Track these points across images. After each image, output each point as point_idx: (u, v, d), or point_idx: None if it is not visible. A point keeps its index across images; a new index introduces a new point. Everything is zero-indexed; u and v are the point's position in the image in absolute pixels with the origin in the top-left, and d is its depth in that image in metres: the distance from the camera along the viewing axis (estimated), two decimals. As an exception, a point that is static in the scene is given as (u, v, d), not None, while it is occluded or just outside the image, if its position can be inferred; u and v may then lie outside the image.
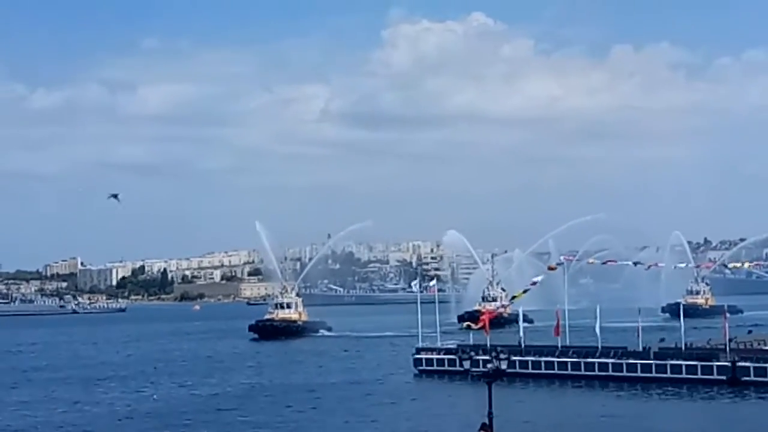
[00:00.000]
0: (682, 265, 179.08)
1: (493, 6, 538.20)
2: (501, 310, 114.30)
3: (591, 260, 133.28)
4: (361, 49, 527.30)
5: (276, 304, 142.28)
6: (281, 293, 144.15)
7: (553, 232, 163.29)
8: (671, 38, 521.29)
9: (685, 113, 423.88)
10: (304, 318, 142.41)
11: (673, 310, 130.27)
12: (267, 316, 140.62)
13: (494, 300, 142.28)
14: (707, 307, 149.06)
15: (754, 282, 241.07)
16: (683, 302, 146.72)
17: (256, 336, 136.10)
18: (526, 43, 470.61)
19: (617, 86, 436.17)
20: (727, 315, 73.72)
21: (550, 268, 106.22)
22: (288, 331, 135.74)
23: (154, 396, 72.56)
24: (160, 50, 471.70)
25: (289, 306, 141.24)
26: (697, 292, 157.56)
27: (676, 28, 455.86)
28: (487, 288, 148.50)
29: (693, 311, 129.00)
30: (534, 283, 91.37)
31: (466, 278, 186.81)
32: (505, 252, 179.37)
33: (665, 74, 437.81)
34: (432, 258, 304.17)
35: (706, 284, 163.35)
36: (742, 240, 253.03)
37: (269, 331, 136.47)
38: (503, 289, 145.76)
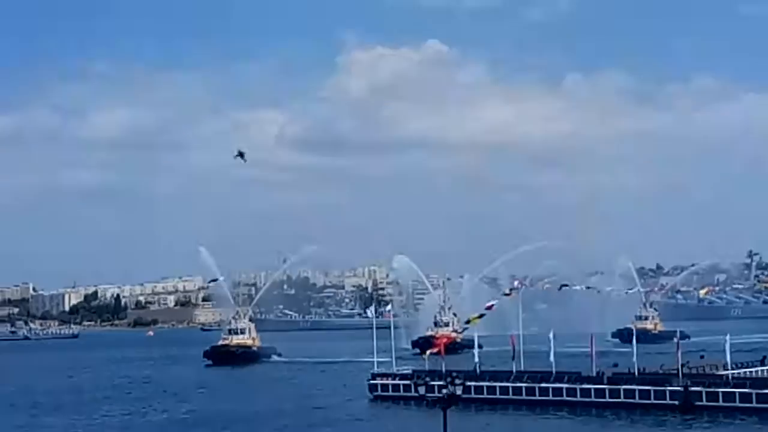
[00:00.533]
0: (633, 290, 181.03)
1: (447, 33, 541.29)
2: (455, 335, 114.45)
3: (547, 285, 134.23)
4: (315, 74, 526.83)
5: (229, 330, 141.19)
6: (234, 319, 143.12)
7: (503, 258, 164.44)
8: (623, 65, 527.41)
9: (635, 140, 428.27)
10: (257, 343, 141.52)
11: (622, 335, 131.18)
12: (221, 342, 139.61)
13: (447, 325, 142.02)
14: (656, 332, 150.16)
15: (704, 308, 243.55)
16: (633, 327, 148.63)
17: (210, 362, 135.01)
18: (481, 70, 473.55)
19: (570, 113, 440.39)
20: (677, 340, 74.50)
21: (506, 294, 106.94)
22: (242, 356, 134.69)
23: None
24: (111, 75, 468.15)
25: (242, 331, 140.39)
26: (646, 318, 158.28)
27: (627, 56, 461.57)
28: (439, 313, 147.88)
29: (643, 336, 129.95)
30: (489, 308, 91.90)
31: (420, 303, 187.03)
32: (461, 277, 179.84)
33: (616, 101, 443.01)
34: (388, 283, 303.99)
35: (655, 309, 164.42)
36: (693, 265, 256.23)
37: (223, 356, 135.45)
38: (455, 314, 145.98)
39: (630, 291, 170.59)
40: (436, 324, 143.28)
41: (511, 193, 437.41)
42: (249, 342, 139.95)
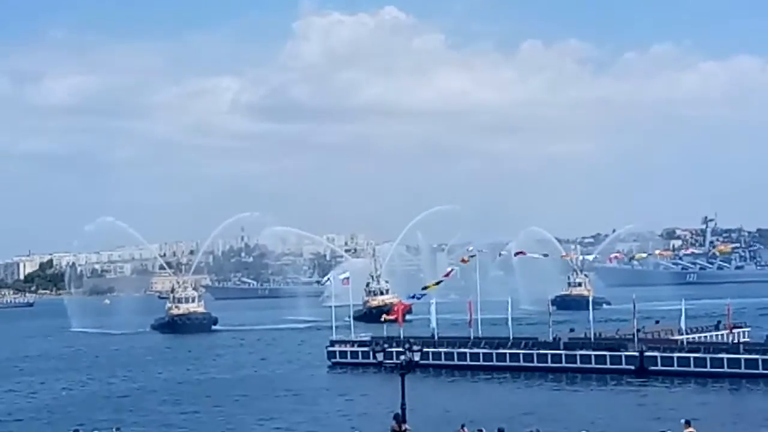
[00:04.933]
0: (591, 257, 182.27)
1: (405, 0, 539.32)
2: (411, 302, 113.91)
3: (504, 252, 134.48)
4: (273, 41, 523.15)
5: (174, 298, 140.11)
6: (180, 287, 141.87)
7: (412, 221, 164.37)
8: (579, 34, 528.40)
9: (592, 107, 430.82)
10: (202, 311, 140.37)
11: (559, 302, 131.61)
12: (172, 312, 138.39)
13: (381, 293, 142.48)
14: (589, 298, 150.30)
15: (658, 273, 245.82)
16: (569, 294, 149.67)
17: (158, 331, 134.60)
18: (437, 37, 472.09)
19: (526, 81, 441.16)
20: (605, 306, 75.50)
21: (463, 261, 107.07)
22: (188, 325, 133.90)
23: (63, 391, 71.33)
24: (67, 42, 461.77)
25: (187, 300, 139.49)
26: (579, 284, 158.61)
27: (584, 24, 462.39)
28: (371, 281, 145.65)
29: (575, 303, 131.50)
30: (447, 275, 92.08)
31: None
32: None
33: (573, 69, 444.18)
34: (346, 250, 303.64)
35: (585, 275, 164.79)
36: (651, 232, 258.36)
37: (169, 325, 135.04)
38: (386, 282, 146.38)
39: (588, 257, 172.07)
40: (369, 292, 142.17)
41: (468, 160, 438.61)
42: (197, 310, 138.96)
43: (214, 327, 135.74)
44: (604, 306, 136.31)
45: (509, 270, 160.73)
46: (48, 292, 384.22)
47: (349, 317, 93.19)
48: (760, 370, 63.08)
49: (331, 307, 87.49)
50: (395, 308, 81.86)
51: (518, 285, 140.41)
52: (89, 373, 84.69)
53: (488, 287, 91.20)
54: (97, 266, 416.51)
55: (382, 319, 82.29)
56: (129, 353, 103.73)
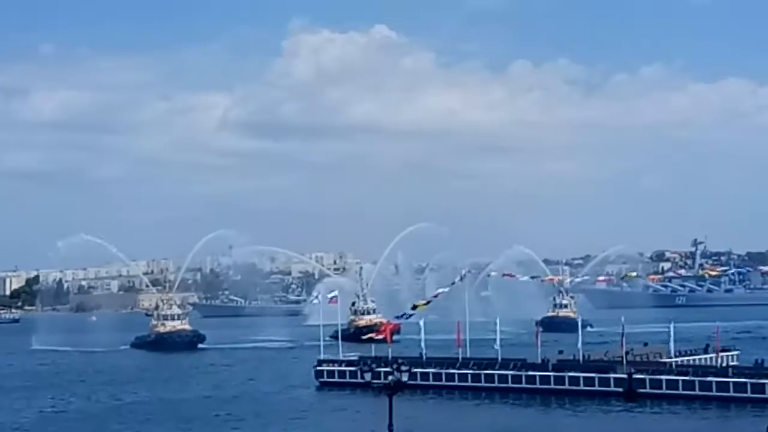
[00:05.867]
0: (579, 279, 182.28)
1: (395, 19, 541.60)
2: (398, 322, 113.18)
3: (492, 273, 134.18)
4: (262, 58, 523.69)
5: (159, 315, 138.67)
6: (165, 304, 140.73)
7: (394, 241, 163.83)
8: (569, 55, 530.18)
9: (581, 129, 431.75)
10: (187, 329, 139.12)
11: (546, 323, 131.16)
12: (157, 329, 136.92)
13: (367, 313, 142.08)
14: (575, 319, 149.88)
15: (648, 296, 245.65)
16: (556, 315, 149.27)
17: (142, 349, 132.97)
18: (428, 56, 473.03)
19: (515, 101, 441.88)
20: (588, 328, 75.53)
21: (454, 282, 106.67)
22: (172, 343, 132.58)
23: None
24: (56, 56, 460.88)
25: (173, 317, 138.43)
26: (565, 305, 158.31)
27: (574, 45, 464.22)
28: (357, 300, 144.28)
29: (569, 325, 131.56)
30: (436, 295, 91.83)
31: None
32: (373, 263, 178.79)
33: (563, 90, 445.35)
34: (335, 269, 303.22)
35: (571, 297, 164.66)
36: (640, 254, 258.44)
37: (152, 343, 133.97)
38: (373, 301, 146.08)
39: (577, 280, 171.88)
40: (355, 312, 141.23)
41: (458, 179, 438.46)
42: (180, 327, 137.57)
43: (200, 345, 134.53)
44: (588, 329, 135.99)
45: (495, 290, 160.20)
46: (34, 308, 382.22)
47: (334, 336, 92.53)
48: (749, 394, 62.88)
49: (310, 326, 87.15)
50: (383, 328, 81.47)
51: (497, 306, 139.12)
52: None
53: (470, 308, 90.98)
54: (84, 283, 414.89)
55: (366, 338, 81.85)
56: (97, 372, 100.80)
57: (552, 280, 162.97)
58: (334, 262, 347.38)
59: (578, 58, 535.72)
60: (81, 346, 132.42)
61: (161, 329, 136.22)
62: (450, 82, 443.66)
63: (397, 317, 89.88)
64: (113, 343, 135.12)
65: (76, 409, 71.66)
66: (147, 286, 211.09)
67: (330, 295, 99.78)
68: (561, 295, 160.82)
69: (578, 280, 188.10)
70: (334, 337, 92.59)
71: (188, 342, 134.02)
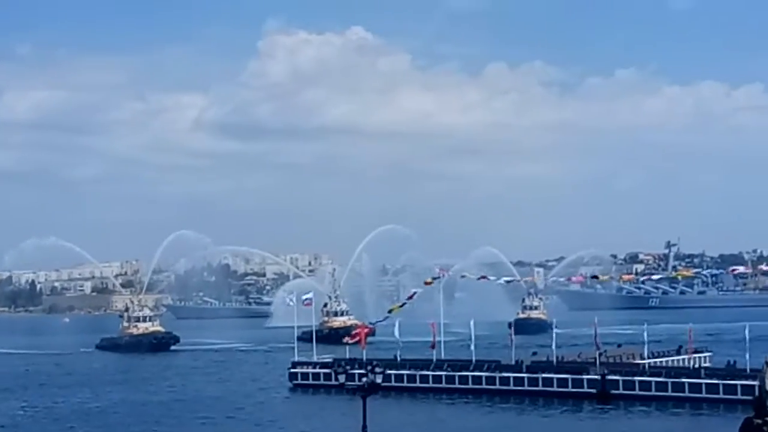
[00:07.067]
0: (551, 279, 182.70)
1: (372, 20, 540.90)
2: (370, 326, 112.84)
3: (465, 275, 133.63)
4: (238, 59, 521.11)
5: (130, 317, 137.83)
6: (136, 306, 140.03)
7: (362, 243, 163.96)
8: (545, 57, 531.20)
9: (557, 131, 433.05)
10: (160, 330, 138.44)
11: (518, 325, 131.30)
12: (128, 331, 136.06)
13: (340, 314, 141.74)
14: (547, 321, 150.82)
15: (621, 297, 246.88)
16: (527, 317, 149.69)
17: (110, 351, 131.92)
18: (404, 58, 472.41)
19: (491, 103, 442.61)
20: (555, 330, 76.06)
21: (427, 283, 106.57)
22: (141, 345, 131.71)
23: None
24: (33, 57, 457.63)
25: (145, 319, 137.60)
26: (535, 307, 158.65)
27: (550, 48, 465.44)
28: (330, 302, 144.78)
29: (539, 326, 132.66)
30: (411, 297, 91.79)
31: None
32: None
33: (538, 92, 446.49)
34: (310, 271, 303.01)
35: (540, 299, 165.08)
36: (614, 256, 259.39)
37: (121, 345, 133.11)
38: (345, 302, 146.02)
39: (551, 279, 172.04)
40: (327, 313, 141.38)
41: (433, 181, 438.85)
42: (153, 329, 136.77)
43: (173, 347, 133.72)
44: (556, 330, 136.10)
45: (466, 292, 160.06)
46: (7, 309, 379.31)
47: (302, 337, 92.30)
48: (721, 395, 63.22)
49: (274, 328, 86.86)
50: (359, 331, 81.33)
51: (465, 308, 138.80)
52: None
53: (437, 310, 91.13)
54: (56, 284, 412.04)
55: (344, 341, 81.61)
56: (66, 374, 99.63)
57: (528, 281, 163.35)
58: (309, 264, 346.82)
59: (554, 61, 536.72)
60: (46, 349, 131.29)
61: (133, 331, 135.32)
62: (426, 84, 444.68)
63: (376, 322, 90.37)
64: (79, 346, 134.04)
65: (37, 414, 70.47)
66: (117, 287, 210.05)
67: (304, 297, 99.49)
68: (530, 296, 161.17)
69: (550, 279, 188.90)
70: (303, 338, 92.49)
71: (159, 344, 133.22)
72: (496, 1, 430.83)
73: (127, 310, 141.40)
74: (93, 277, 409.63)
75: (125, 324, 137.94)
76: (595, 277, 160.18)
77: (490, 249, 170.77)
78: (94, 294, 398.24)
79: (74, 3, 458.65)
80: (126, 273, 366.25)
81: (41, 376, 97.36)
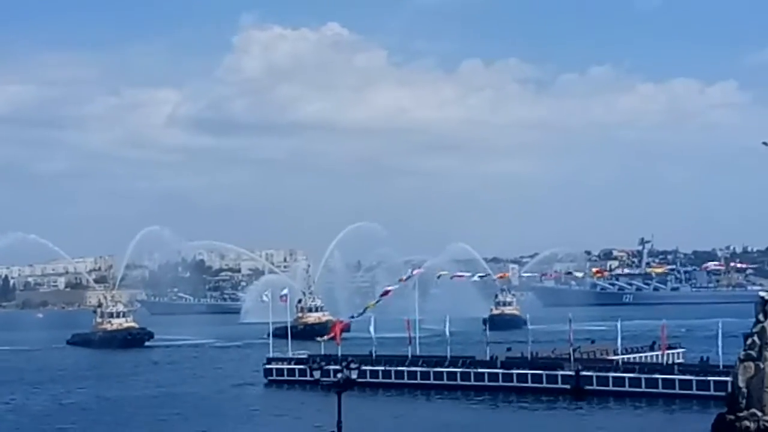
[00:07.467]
0: (526, 274, 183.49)
1: (348, 16, 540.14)
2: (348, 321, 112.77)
3: (442, 272, 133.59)
4: (212, 54, 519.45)
5: (103, 313, 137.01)
6: (110, 301, 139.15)
7: (335, 240, 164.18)
8: (520, 54, 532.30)
9: (531, 127, 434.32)
10: (134, 326, 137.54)
11: (492, 321, 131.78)
12: (101, 327, 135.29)
13: (315, 310, 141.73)
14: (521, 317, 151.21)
15: (595, 293, 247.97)
16: (501, 313, 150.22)
17: (82, 347, 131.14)
18: (380, 54, 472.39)
19: (466, 100, 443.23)
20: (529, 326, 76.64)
21: (401, 280, 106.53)
22: (115, 340, 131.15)
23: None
24: (2, 52, 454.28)
25: (118, 315, 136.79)
26: (509, 303, 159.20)
27: (525, 44, 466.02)
28: (304, 297, 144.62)
29: (513, 322, 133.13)
30: (385, 294, 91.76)
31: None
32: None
33: (513, 89, 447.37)
34: (285, 267, 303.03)
35: (513, 295, 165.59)
36: (588, 253, 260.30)
37: (93, 341, 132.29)
38: (320, 298, 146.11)
39: (525, 274, 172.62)
40: (301, 309, 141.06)
41: (407, 177, 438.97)
42: (126, 325, 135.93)
43: (147, 343, 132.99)
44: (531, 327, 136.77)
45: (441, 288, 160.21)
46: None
47: (275, 333, 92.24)
48: (694, 391, 63.59)
49: (246, 324, 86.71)
50: (334, 327, 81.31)
51: (434, 304, 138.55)
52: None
53: (410, 306, 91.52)
54: (30, 279, 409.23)
55: (318, 340, 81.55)
56: (38, 370, 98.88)
57: (502, 276, 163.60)
58: (285, 260, 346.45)
59: (529, 58, 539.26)
60: (16, 345, 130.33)
61: (107, 327, 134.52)
62: (402, 81, 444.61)
63: (352, 317, 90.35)
64: (50, 342, 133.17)
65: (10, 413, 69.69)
66: (91, 283, 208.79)
67: (281, 294, 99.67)
68: (504, 293, 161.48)
69: (524, 275, 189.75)
70: (277, 334, 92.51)
71: (134, 339, 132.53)
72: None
73: (100, 305, 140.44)
74: (67, 273, 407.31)
75: (98, 320, 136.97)
76: (569, 273, 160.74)
77: (462, 245, 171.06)
78: (67, 289, 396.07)
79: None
80: (100, 268, 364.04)
81: (10, 373, 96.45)
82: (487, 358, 74.59)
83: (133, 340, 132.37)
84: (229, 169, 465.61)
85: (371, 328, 78.84)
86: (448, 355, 75.57)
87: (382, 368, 75.66)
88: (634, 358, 76.72)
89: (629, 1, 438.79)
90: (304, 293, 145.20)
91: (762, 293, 41.79)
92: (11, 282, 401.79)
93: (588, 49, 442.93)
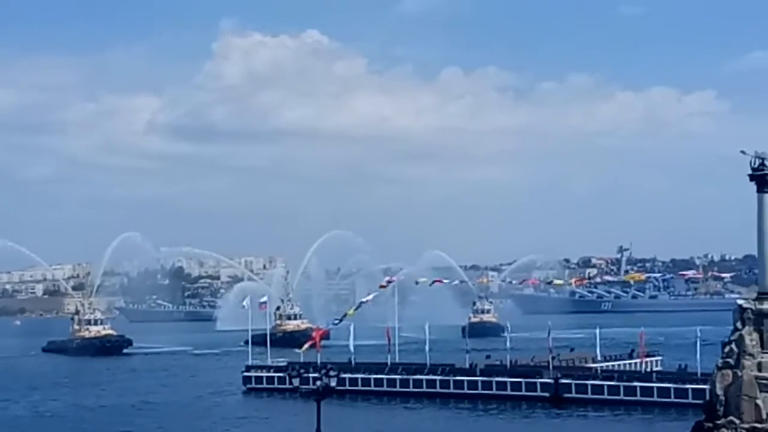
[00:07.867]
0: (503, 282, 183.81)
1: (327, 24, 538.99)
2: (327, 328, 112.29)
3: (422, 279, 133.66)
4: (192, 61, 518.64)
5: (80, 320, 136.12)
6: (87, 309, 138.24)
7: (312, 248, 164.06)
8: (499, 62, 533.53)
9: (511, 135, 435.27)
10: (111, 334, 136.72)
11: (470, 329, 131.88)
12: (79, 334, 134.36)
13: (293, 318, 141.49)
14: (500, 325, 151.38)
15: (574, 301, 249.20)
16: (480, 321, 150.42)
17: (59, 354, 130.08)
18: (360, 62, 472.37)
19: (446, 107, 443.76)
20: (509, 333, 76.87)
21: (381, 286, 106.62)
22: (91, 347, 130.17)
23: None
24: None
25: (96, 322, 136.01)
26: (487, 311, 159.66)
27: (504, 52, 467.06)
28: (282, 305, 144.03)
29: (493, 330, 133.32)
30: (365, 301, 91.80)
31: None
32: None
33: (493, 97, 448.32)
34: (264, 274, 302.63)
35: (490, 302, 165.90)
36: (566, 260, 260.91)
37: (70, 348, 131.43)
38: (298, 306, 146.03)
39: (504, 282, 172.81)
40: (280, 316, 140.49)
41: (387, 185, 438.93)
42: (105, 332, 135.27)
43: (125, 350, 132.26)
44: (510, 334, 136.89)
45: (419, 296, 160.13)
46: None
47: (254, 341, 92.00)
48: (672, 399, 63.87)
49: (221, 331, 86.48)
50: (313, 334, 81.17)
51: (412, 311, 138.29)
52: None
53: (388, 314, 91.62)
54: (8, 286, 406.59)
55: (301, 350, 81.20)
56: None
57: (481, 283, 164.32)
58: (264, 267, 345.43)
59: (508, 65, 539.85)
60: None
61: (84, 334, 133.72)
62: (382, 88, 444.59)
63: (331, 325, 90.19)
64: (26, 349, 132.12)
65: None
66: (69, 290, 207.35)
67: (260, 301, 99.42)
68: (482, 300, 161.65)
69: (502, 283, 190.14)
70: (255, 342, 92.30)
71: (112, 347, 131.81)
72: (448, 4, 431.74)
73: (77, 312, 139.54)
74: (45, 280, 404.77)
75: (76, 327, 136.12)
76: (549, 282, 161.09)
77: (438, 253, 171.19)
78: (45, 297, 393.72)
79: (21, 2, 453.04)
80: (78, 275, 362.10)
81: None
82: (467, 366, 74.65)
83: (111, 347, 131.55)
84: (209, 176, 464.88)
85: (350, 336, 78.73)
86: (428, 363, 75.56)
87: (362, 376, 75.57)
88: (613, 366, 76.98)
89: (609, 9, 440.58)
90: (282, 300, 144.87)
91: (740, 301, 41.93)
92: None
93: (566, 56, 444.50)
